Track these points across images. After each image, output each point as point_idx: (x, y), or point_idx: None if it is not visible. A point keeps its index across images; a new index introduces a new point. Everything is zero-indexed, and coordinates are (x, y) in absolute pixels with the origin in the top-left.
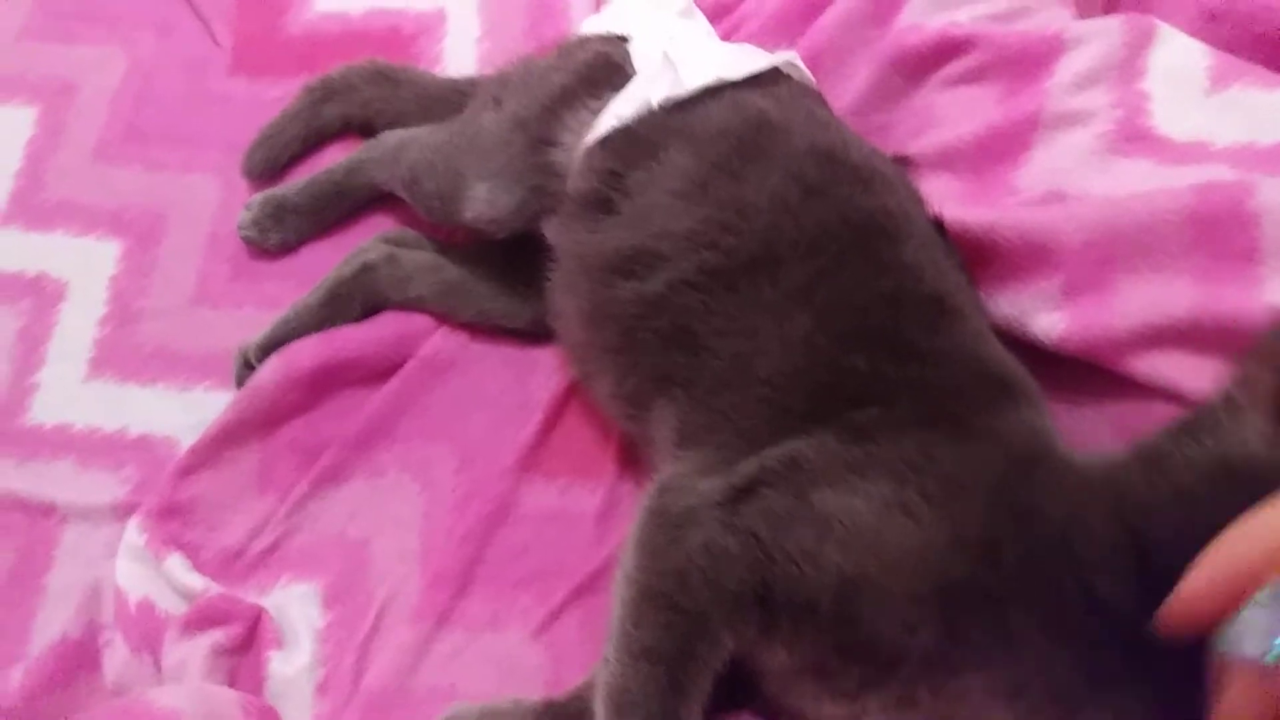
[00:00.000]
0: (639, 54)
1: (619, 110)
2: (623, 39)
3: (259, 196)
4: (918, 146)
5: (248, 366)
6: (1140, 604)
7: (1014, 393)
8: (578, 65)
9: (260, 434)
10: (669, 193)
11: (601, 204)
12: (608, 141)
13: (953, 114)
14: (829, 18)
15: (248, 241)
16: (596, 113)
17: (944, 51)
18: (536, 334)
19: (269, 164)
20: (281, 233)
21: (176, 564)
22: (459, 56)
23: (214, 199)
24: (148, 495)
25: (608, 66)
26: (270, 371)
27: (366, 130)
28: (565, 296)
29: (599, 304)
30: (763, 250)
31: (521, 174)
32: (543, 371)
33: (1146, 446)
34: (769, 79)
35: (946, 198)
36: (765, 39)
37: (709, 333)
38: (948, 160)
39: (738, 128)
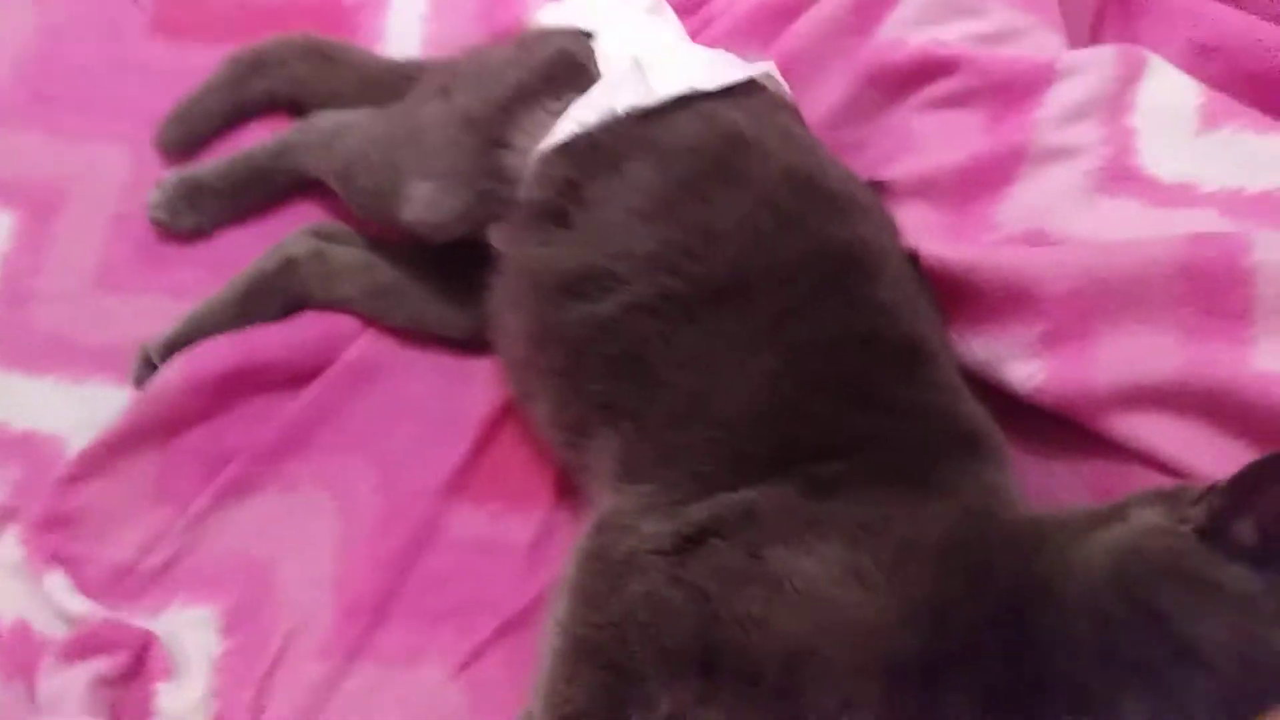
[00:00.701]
0: (604, 54)
1: (580, 115)
2: (587, 35)
3: (173, 175)
4: (893, 171)
5: (149, 366)
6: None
7: (980, 450)
8: (537, 62)
9: (159, 440)
10: (629, 210)
11: (555, 215)
12: (566, 148)
13: (933, 139)
14: (804, 24)
15: (157, 224)
16: (555, 115)
17: (927, 71)
18: (473, 344)
19: (186, 139)
20: (195, 217)
21: (57, 583)
22: (403, 35)
23: (122, 173)
24: (29, 501)
25: (570, 65)
26: (174, 373)
27: (296, 109)
28: (508, 311)
29: (545, 323)
30: (729, 280)
31: (469, 176)
32: (478, 385)
33: (1101, 508)
34: (744, 90)
35: (922, 230)
36: (734, 41)
37: (664, 364)
38: (925, 188)
39: (709, 144)
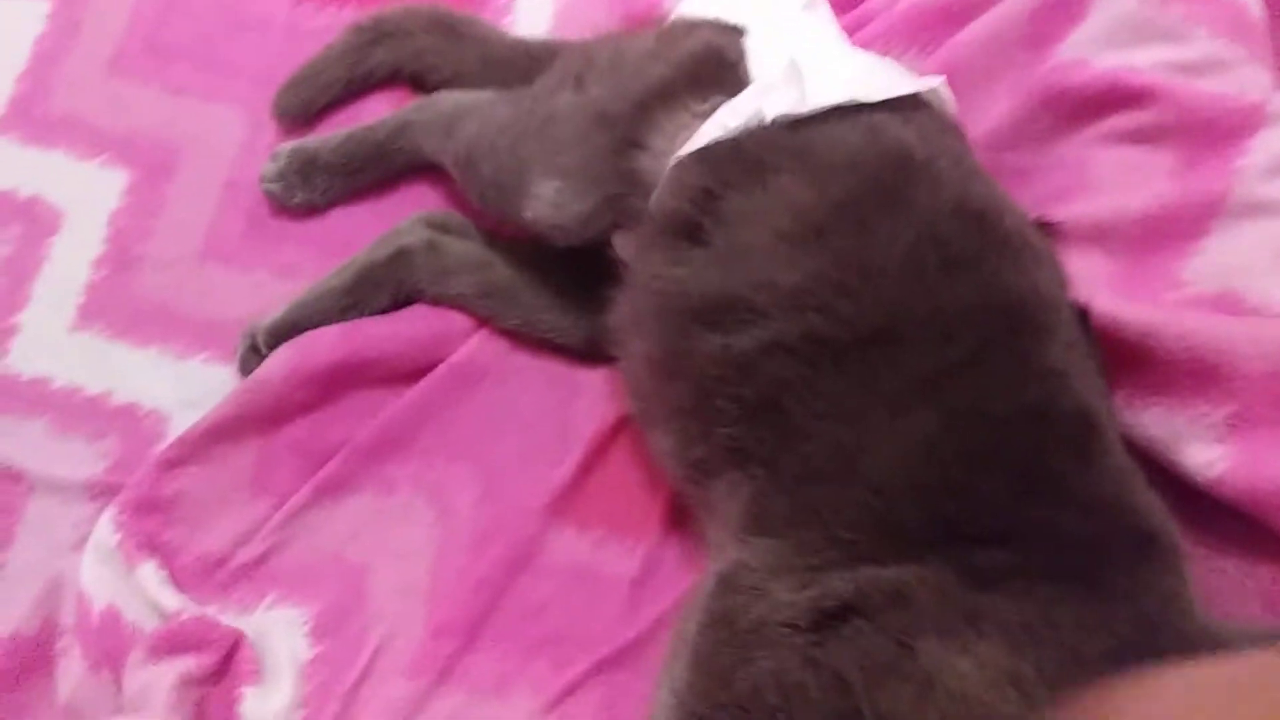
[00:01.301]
0: (757, 53)
1: (724, 120)
2: (738, 31)
3: (288, 146)
4: (1065, 210)
5: (255, 351)
6: None
7: (1156, 550)
8: (682, 57)
9: (260, 431)
10: (775, 231)
11: (689, 230)
12: (705, 155)
13: (1114, 178)
14: (972, 32)
15: (269, 196)
16: (698, 118)
17: (1113, 100)
18: (589, 354)
19: (304, 106)
20: (308, 192)
21: (150, 574)
22: (532, 7)
23: (236, 137)
24: (126, 480)
25: (718, 63)
26: (280, 363)
27: (418, 82)
28: (633, 333)
29: (672, 352)
30: (885, 324)
31: (599, 177)
32: (590, 398)
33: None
34: (910, 105)
35: (1095, 280)
36: (891, 43)
37: (806, 412)
38: (1102, 234)
39: (871, 161)
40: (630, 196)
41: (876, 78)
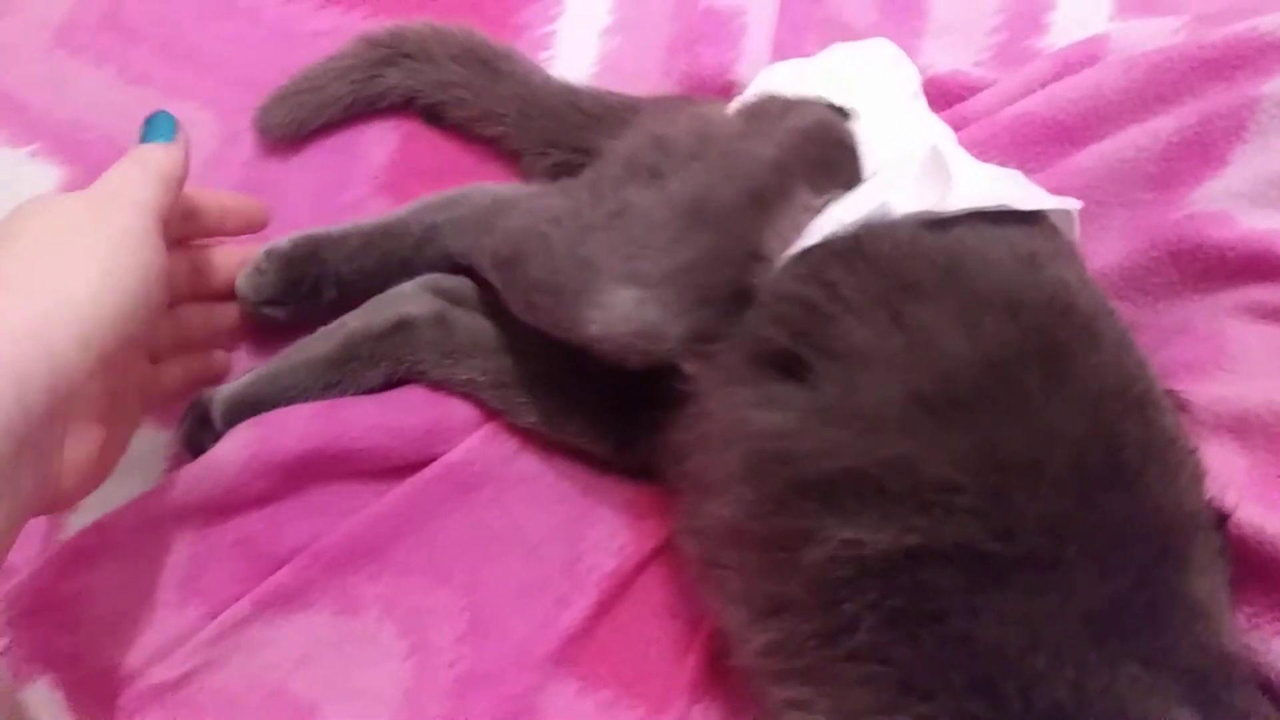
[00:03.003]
0: (870, 143)
1: (839, 214)
2: (843, 113)
3: (278, 250)
4: (1198, 388)
5: (204, 425)
6: None
7: None
8: (789, 135)
9: (201, 523)
10: (910, 391)
11: (783, 364)
12: (813, 258)
13: (1257, 361)
14: (1091, 157)
15: (241, 301)
16: (813, 214)
17: (1259, 268)
18: (617, 465)
19: (296, 125)
20: (310, 306)
21: (42, 695)
22: (575, 45)
23: (203, 147)
24: (15, 575)
25: (834, 145)
26: (237, 446)
27: (433, 115)
28: (708, 485)
29: (775, 534)
30: (1046, 539)
31: (700, 290)
32: (611, 525)
33: None
34: (1046, 228)
35: (1231, 481)
36: (991, 154)
37: (971, 624)
38: (1241, 426)
39: (1034, 307)
40: (734, 316)
41: (1017, 185)
